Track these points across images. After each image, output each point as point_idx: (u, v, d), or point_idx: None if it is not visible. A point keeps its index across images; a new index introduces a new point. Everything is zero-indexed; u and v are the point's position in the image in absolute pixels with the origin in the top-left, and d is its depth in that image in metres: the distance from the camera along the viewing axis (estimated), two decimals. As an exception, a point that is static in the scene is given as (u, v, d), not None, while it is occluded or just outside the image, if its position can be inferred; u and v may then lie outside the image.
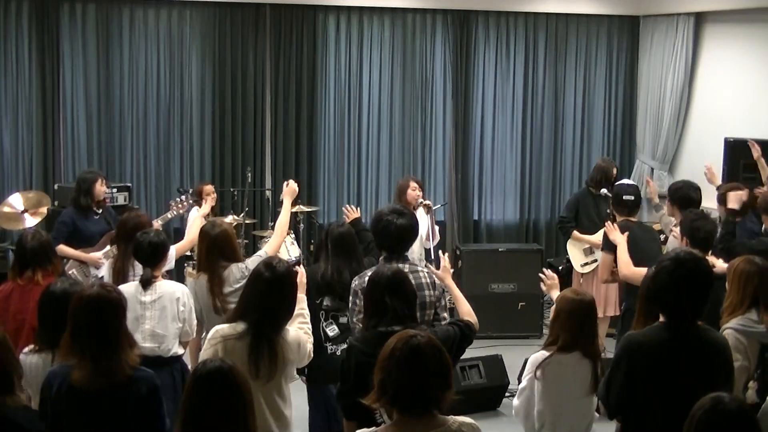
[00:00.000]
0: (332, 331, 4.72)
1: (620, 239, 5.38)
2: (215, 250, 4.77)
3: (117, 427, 3.25)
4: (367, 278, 4.25)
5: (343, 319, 4.71)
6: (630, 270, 5.18)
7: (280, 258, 4.14)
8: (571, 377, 3.83)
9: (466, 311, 4.07)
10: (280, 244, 5.32)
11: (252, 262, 4.78)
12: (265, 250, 5.01)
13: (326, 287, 4.72)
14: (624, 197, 5.80)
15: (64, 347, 3.31)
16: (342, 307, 4.68)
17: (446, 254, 4.62)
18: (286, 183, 5.49)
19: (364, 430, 2.94)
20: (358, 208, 5.79)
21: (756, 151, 6.79)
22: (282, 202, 5.47)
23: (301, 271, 4.23)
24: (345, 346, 4.57)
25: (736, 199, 5.55)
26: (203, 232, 4.89)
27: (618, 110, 9.90)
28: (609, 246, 5.51)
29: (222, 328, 3.80)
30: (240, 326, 3.74)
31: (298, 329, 3.94)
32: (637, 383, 3.36)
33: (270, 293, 3.73)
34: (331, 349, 4.72)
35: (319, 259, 4.91)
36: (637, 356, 3.37)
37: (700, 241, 4.77)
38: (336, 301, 4.73)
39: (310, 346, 3.94)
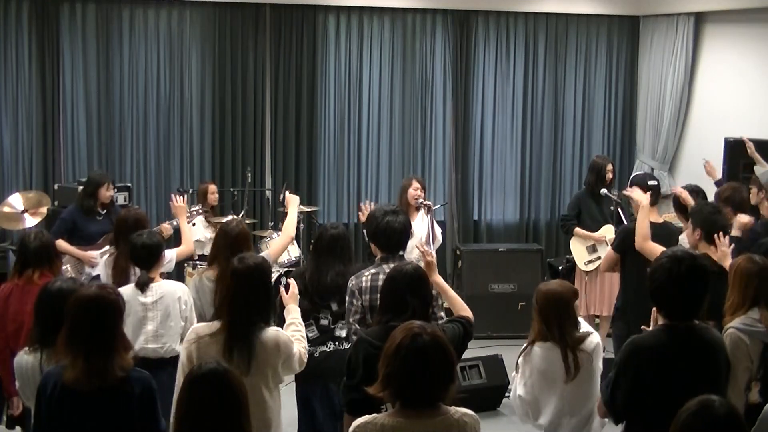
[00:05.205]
0: (311, 332, 4.66)
1: (644, 200, 5.32)
2: (234, 248, 4.67)
3: (111, 428, 3.24)
4: (364, 278, 4.28)
5: (323, 321, 4.69)
6: (647, 243, 5.15)
7: (255, 254, 4.06)
8: (547, 366, 3.85)
9: (462, 306, 4.08)
10: (285, 246, 5.29)
11: None
12: (269, 252, 4.98)
13: (304, 289, 4.63)
14: (649, 182, 5.81)
15: (59, 346, 3.30)
16: (322, 308, 4.68)
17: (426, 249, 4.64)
18: (284, 186, 5.46)
19: (367, 416, 2.95)
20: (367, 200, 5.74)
21: (750, 148, 6.98)
22: (282, 201, 5.46)
23: (293, 283, 4.21)
24: (324, 348, 4.67)
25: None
26: (223, 230, 4.89)
27: (618, 110, 9.89)
28: (618, 246, 5.51)
29: (198, 327, 3.81)
30: (215, 324, 3.74)
31: (290, 335, 3.91)
32: (644, 388, 3.35)
33: (240, 287, 3.71)
34: (309, 350, 4.61)
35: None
36: (642, 361, 3.36)
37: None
38: (315, 304, 4.69)
39: (298, 350, 3.87)
